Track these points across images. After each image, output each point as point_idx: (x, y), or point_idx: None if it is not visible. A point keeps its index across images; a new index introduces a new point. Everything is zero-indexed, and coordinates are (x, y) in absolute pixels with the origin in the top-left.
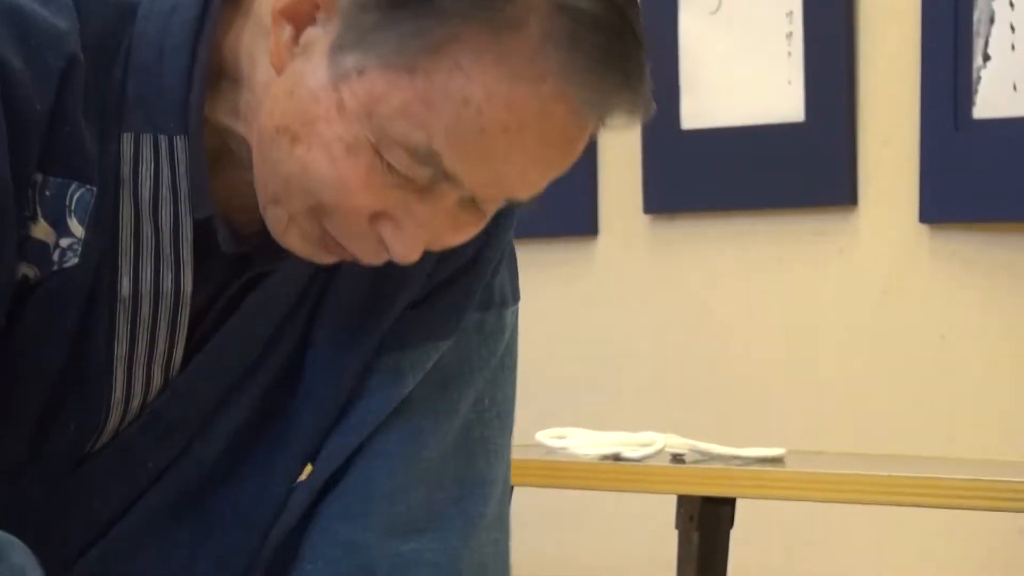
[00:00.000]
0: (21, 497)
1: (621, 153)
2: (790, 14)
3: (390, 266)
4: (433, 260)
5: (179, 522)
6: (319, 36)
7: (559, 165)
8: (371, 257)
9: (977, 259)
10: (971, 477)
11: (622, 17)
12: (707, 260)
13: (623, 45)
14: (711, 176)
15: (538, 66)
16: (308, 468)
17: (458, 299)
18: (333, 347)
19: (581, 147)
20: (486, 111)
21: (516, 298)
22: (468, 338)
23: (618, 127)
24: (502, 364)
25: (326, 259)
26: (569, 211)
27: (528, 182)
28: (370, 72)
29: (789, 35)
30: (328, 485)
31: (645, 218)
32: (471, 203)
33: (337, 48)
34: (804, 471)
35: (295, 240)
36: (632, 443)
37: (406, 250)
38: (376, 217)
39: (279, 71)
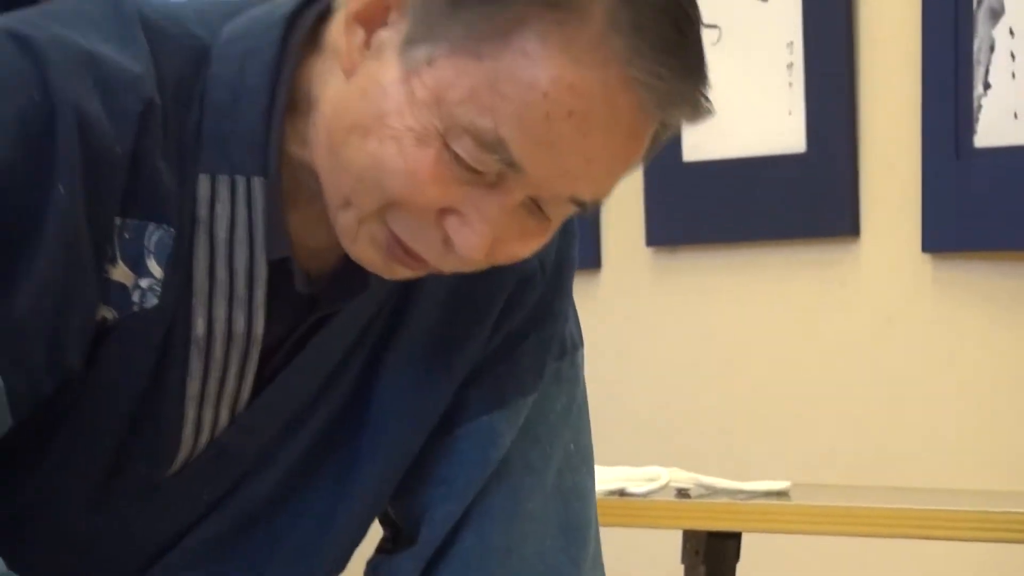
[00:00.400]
0: (80, 528)
1: (623, 186)
2: (790, 44)
3: (456, 307)
4: (499, 304)
5: (231, 552)
6: (390, 36)
7: (623, 159)
8: (437, 258)
9: (980, 288)
10: (978, 509)
11: (681, 9)
12: (710, 292)
13: (685, 37)
14: (713, 208)
15: (602, 52)
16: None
17: (538, 353)
18: (400, 388)
19: (644, 143)
20: (551, 95)
21: (582, 341)
22: (548, 388)
23: (679, 125)
24: (579, 409)
25: (395, 270)
26: None
27: (592, 175)
28: (439, 61)
29: (790, 66)
30: (438, 551)
31: (647, 251)
32: (536, 208)
33: (407, 43)
34: (809, 504)
35: (364, 247)
36: (637, 478)
37: (471, 245)
38: (443, 213)
39: (349, 75)
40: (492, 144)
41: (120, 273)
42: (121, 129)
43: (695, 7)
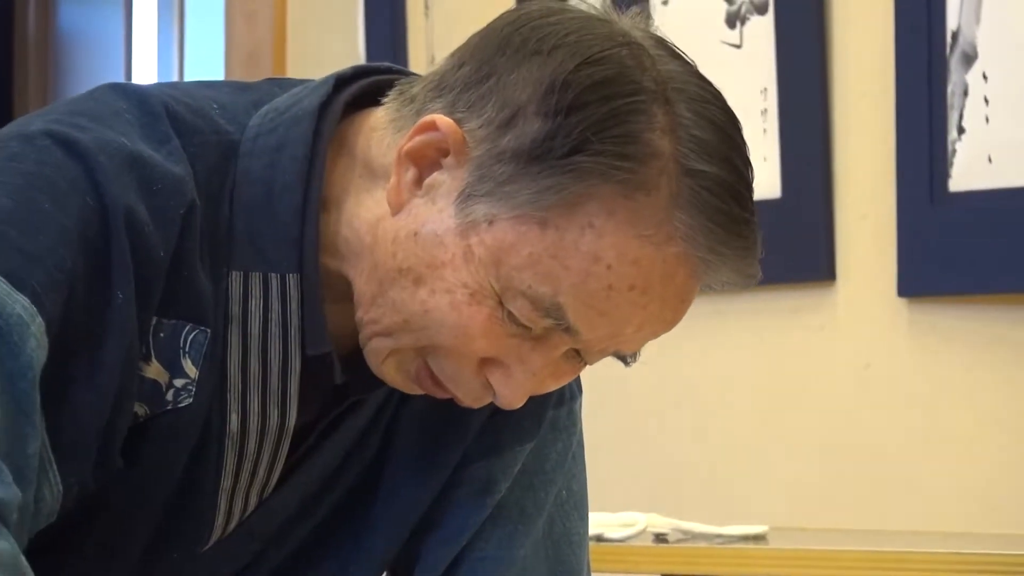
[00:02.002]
0: None
1: None
2: (764, 91)
3: None
4: None
5: None
6: (445, 181)
7: (670, 324)
8: (472, 400)
9: (956, 332)
10: (955, 551)
11: (742, 181)
12: (686, 339)
13: (743, 210)
14: None
15: (666, 229)
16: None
17: (539, 403)
18: (412, 458)
19: (689, 306)
20: (615, 268)
21: (580, 390)
22: (545, 436)
23: (722, 287)
24: (575, 456)
25: (417, 391)
26: None
27: (640, 339)
28: (500, 222)
29: (764, 112)
30: None
31: None
32: (576, 355)
33: (467, 196)
34: (787, 548)
35: (390, 371)
36: (614, 523)
37: (513, 396)
38: (486, 362)
39: (395, 210)
40: (549, 308)
41: (154, 371)
42: (165, 232)
43: (751, 172)
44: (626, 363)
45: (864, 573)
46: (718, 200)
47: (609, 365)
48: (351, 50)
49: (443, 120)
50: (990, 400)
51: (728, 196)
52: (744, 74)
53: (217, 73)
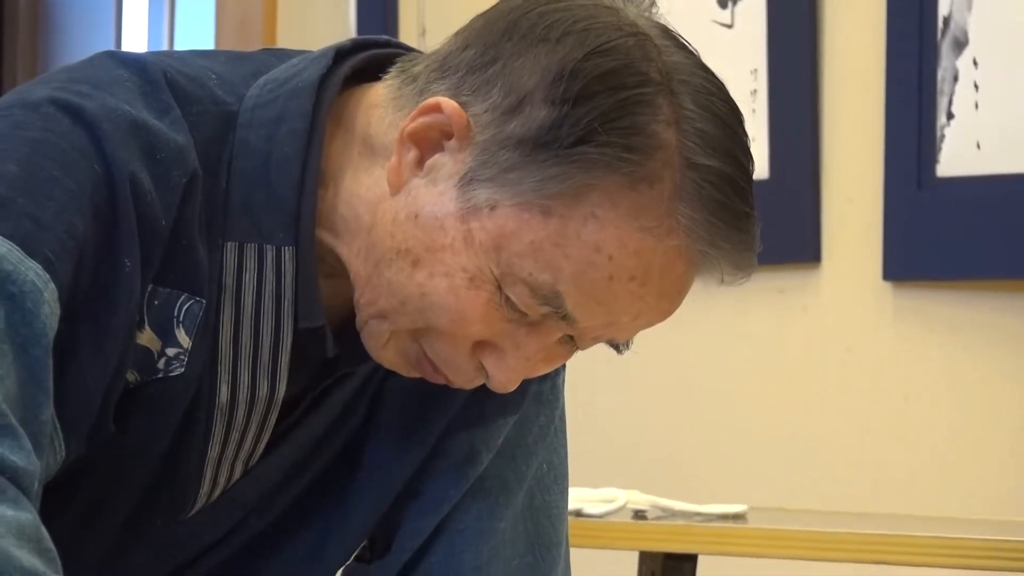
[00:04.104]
0: (88, 573)
1: None
2: (755, 71)
3: None
4: None
5: None
6: (446, 163)
7: (666, 315)
8: (465, 382)
9: (940, 317)
10: (934, 535)
11: (744, 175)
12: (670, 316)
13: (744, 205)
14: None
15: (668, 221)
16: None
17: None
18: (396, 430)
19: (684, 297)
20: (616, 259)
21: (564, 365)
22: (528, 409)
23: (719, 280)
24: (556, 429)
25: (415, 375)
26: None
27: (635, 328)
28: (503, 209)
29: (754, 92)
30: (409, 564)
31: None
32: (570, 340)
33: (469, 180)
34: (766, 528)
35: (390, 356)
36: (594, 499)
37: (507, 380)
38: (480, 346)
39: (395, 191)
40: (547, 296)
41: (146, 338)
42: (167, 201)
43: (752, 165)
44: (619, 351)
45: (842, 555)
46: (720, 194)
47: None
48: (341, 19)
49: (448, 103)
50: (972, 385)
51: (730, 190)
52: (735, 54)
53: (207, 42)
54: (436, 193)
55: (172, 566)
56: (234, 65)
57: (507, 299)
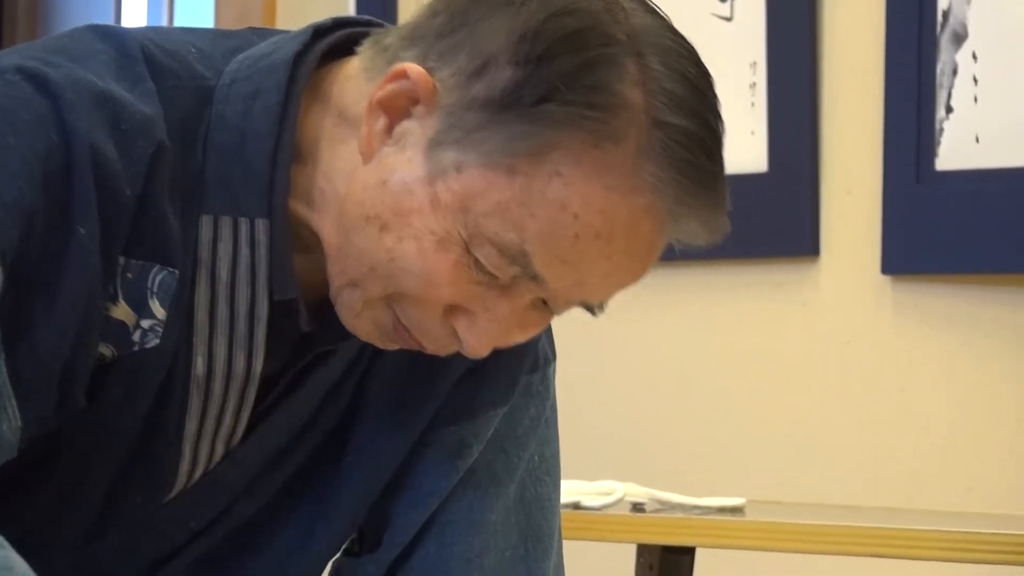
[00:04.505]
0: (72, 557)
1: None
2: (754, 65)
3: None
4: None
5: (212, 571)
6: (414, 129)
7: (637, 274)
8: (439, 348)
9: (939, 311)
10: (932, 528)
11: (712, 135)
12: (669, 310)
13: (712, 163)
14: None
15: (633, 179)
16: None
17: (512, 367)
18: (383, 415)
19: (656, 257)
20: (581, 217)
21: (554, 355)
22: (518, 401)
23: (690, 240)
24: (548, 421)
25: (391, 346)
26: None
27: (606, 288)
28: (469, 169)
29: (753, 86)
30: (400, 557)
31: None
32: (543, 303)
33: (436, 144)
34: (764, 521)
35: (365, 326)
36: (592, 492)
37: (479, 344)
38: (452, 310)
39: (367, 159)
40: (515, 256)
41: (121, 312)
42: (132, 171)
43: (721, 126)
44: (593, 313)
45: (840, 548)
46: (687, 153)
47: (591, 335)
48: (341, 12)
49: (414, 68)
50: (970, 379)
51: (697, 149)
52: (734, 47)
53: (207, 16)
54: (405, 159)
55: (157, 554)
56: (216, 41)
57: (476, 261)
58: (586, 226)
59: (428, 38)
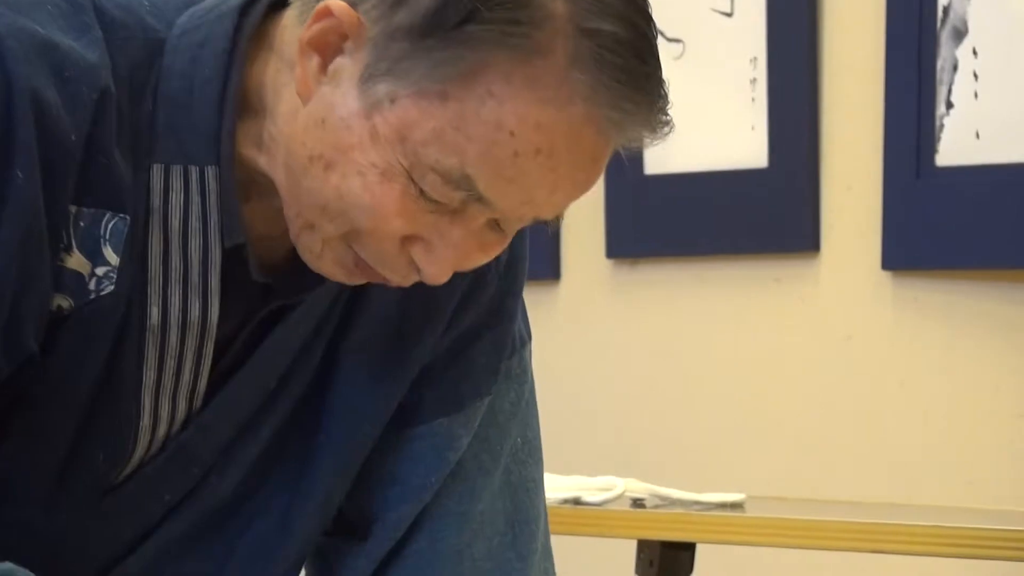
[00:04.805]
0: (40, 526)
1: (584, 198)
2: (754, 60)
3: (412, 301)
4: (454, 300)
5: (192, 554)
6: (347, 65)
7: (585, 184)
8: (401, 279)
9: (939, 306)
10: (932, 523)
11: (643, 37)
12: (669, 305)
13: (645, 66)
14: (674, 221)
15: (566, 89)
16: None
17: (493, 354)
18: (357, 386)
19: (604, 165)
20: (518, 134)
21: (529, 336)
22: (498, 387)
23: (638, 144)
24: (527, 404)
25: (357, 281)
26: (532, 255)
27: (555, 202)
28: (402, 100)
29: (753, 81)
30: (392, 550)
31: (608, 263)
32: (496, 224)
33: (367, 77)
34: (764, 516)
35: (328, 265)
36: (592, 487)
37: (437, 271)
38: (408, 240)
39: (306, 100)
40: (458, 181)
41: (75, 261)
42: (76, 117)
43: (652, 28)
44: (548, 227)
45: (840, 543)
46: (617, 57)
47: (591, 330)
48: None
49: (336, 4)
50: (970, 374)
51: (628, 52)
52: (734, 42)
53: None
54: (340, 95)
55: (135, 531)
56: None
57: (421, 190)
58: (525, 143)
59: None
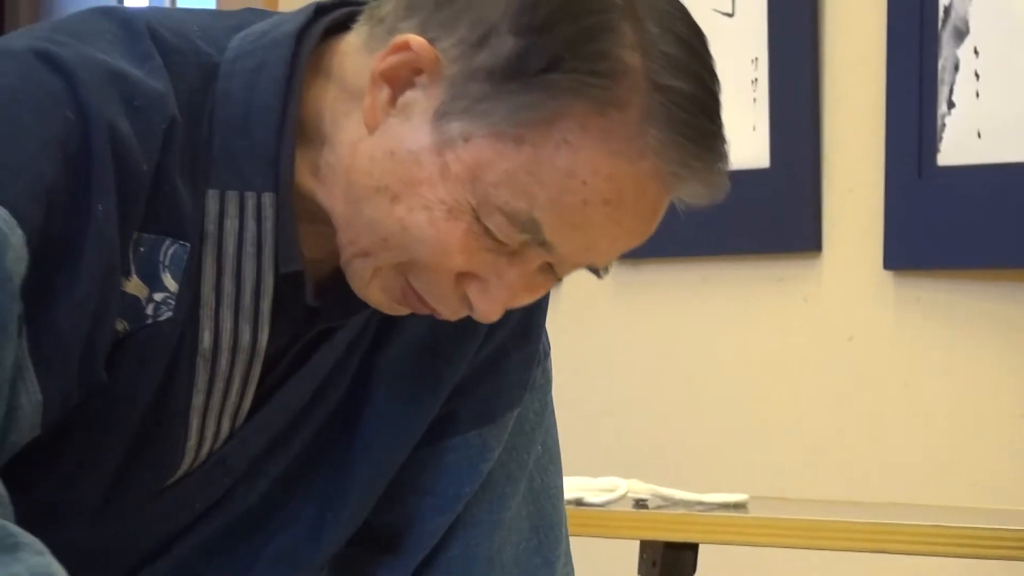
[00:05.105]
0: (80, 539)
1: None
2: (755, 60)
3: (445, 321)
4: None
5: (215, 561)
6: (419, 99)
7: (643, 236)
8: (451, 313)
9: (941, 306)
10: (934, 523)
11: (712, 96)
12: (671, 306)
13: (712, 125)
14: (675, 222)
15: (638, 144)
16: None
17: (523, 368)
18: (391, 406)
19: (660, 218)
20: (589, 184)
21: (549, 345)
22: (525, 397)
23: (693, 200)
24: (549, 412)
25: (400, 311)
26: None
27: (613, 252)
28: (477, 140)
29: (755, 81)
30: (424, 561)
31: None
32: (550, 267)
33: (442, 114)
34: (767, 517)
35: (376, 293)
36: (595, 488)
37: (490, 310)
38: (463, 276)
39: (372, 130)
40: (525, 223)
41: (134, 286)
42: (147, 147)
43: (718, 87)
44: (599, 275)
45: (843, 544)
46: (688, 115)
47: (593, 330)
48: None
49: (416, 40)
50: (973, 374)
51: (697, 110)
52: (735, 43)
53: None
54: (411, 129)
55: (162, 536)
56: (216, 20)
57: (486, 229)
58: (595, 192)
59: (426, 8)
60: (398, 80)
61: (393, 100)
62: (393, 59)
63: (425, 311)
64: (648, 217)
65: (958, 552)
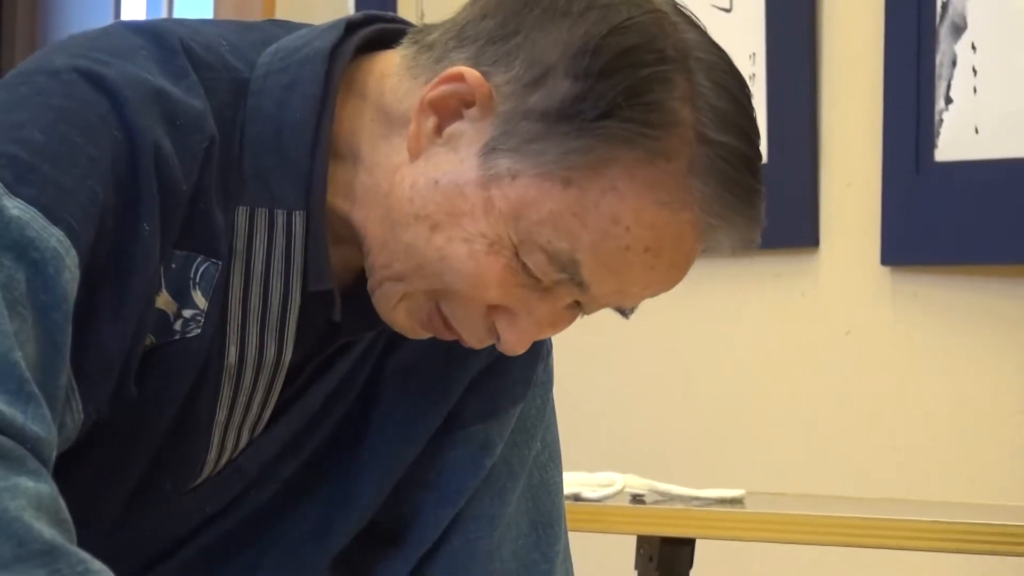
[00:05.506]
0: (95, 545)
1: None
2: (753, 56)
3: None
4: None
5: (222, 561)
6: (466, 131)
7: (673, 283)
8: (477, 342)
9: (938, 301)
10: (931, 519)
11: (757, 154)
12: (668, 301)
13: (754, 181)
14: None
15: (683, 195)
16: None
17: (527, 367)
18: (400, 409)
19: (691, 268)
20: (632, 231)
21: (551, 343)
22: (528, 393)
23: (722, 253)
24: (550, 409)
25: (423, 335)
26: None
27: (643, 296)
28: (524, 178)
29: (752, 77)
30: (426, 554)
31: None
32: (578, 304)
33: (490, 149)
34: (764, 512)
35: (401, 316)
36: (591, 483)
37: (518, 342)
38: (494, 308)
39: (415, 157)
40: (564, 264)
41: (163, 301)
42: (187, 166)
43: (759, 140)
44: (625, 316)
45: (840, 539)
46: (732, 169)
47: (591, 327)
48: (340, 6)
49: (471, 73)
50: (970, 369)
51: (742, 166)
52: (733, 38)
53: (206, 16)
54: (456, 160)
55: (176, 538)
56: (243, 34)
57: (524, 265)
58: (637, 239)
59: (478, 41)
60: (447, 110)
61: (439, 129)
62: (444, 88)
63: (449, 337)
64: (682, 266)
65: (956, 548)
